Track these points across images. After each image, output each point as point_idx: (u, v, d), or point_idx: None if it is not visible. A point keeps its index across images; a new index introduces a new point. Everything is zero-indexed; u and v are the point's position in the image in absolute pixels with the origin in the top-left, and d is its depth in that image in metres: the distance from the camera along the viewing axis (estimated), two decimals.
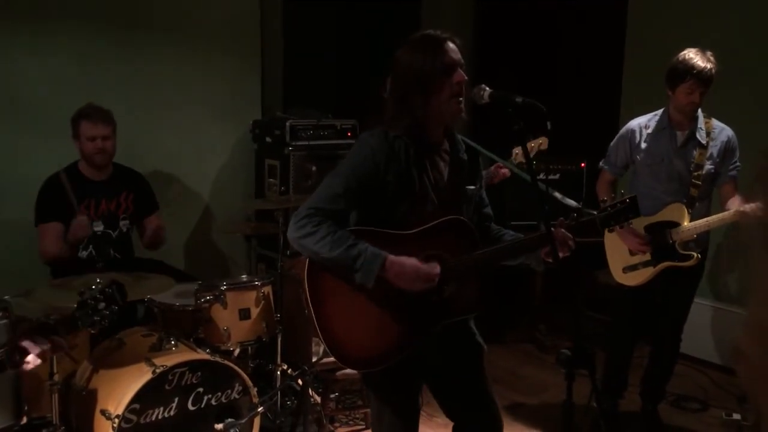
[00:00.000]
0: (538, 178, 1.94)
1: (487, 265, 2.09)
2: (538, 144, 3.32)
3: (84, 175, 3.53)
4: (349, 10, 5.35)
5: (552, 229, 1.95)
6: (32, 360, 1.98)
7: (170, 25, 4.37)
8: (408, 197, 2.02)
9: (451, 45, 2.01)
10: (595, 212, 2.10)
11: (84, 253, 3.48)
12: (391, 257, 1.93)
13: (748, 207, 2.93)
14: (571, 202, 3.06)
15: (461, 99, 1.99)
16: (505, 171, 3.31)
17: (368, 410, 3.54)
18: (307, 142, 4.48)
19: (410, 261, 1.94)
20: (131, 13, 4.22)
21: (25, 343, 1.95)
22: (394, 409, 2.16)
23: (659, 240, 3.17)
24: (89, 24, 4.08)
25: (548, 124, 1.82)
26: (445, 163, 2.11)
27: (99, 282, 2.21)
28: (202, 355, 2.90)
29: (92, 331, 2.29)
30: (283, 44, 5.00)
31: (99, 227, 3.50)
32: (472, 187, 2.17)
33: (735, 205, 3.07)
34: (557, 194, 2.87)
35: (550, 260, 1.99)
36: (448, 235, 2.04)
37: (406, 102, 2.01)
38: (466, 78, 1.98)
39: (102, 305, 2.11)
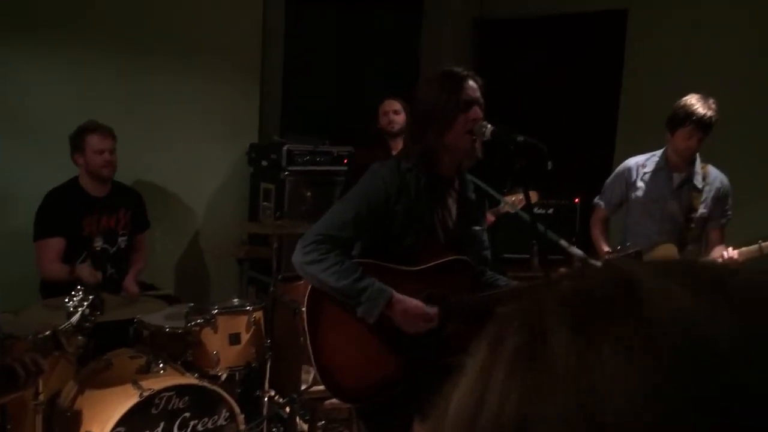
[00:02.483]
0: (535, 220, 1.95)
1: (486, 308, 2.10)
2: (523, 199, 3.35)
3: (85, 191, 3.53)
4: (349, 40, 5.42)
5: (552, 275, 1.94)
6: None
7: (172, 47, 4.40)
8: (415, 231, 2.03)
9: (471, 83, 2.04)
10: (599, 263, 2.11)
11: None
12: (397, 295, 1.94)
13: (725, 254, 2.98)
14: (577, 252, 3.08)
15: (475, 137, 2.00)
16: (492, 218, 3.37)
17: None
18: (303, 168, 4.49)
19: (414, 302, 1.95)
20: (134, 34, 4.24)
21: (34, 358, 1.94)
22: None
23: None
24: (90, 43, 4.09)
25: (549, 164, 1.83)
26: (453, 200, 2.12)
27: (81, 290, 2.22)
28: (190, 379, 2.86)
29: (79, 349, 2.38)
30: (282, 70, 5.04)
31: (99, 243, 3.49)
32: (478, 227, 2.18)
33: (717, 254, 3.11)
34: (563, 242, 2.90)
35: None
36: (451, 274, 2.05)
37: (421, 135, 2.04)
38: (481, 116, 2.00)
39: (87, 311, 2.15)
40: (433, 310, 1.97)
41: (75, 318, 2.11)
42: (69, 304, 2.15)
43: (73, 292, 2.20)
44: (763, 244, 2.98)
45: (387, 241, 2.04)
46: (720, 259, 3.00)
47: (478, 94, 2.04)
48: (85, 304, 2.14)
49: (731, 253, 2.99)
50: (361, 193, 2.04)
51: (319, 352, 2.00)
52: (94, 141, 3.45)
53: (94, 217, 3.49)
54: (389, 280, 1.98)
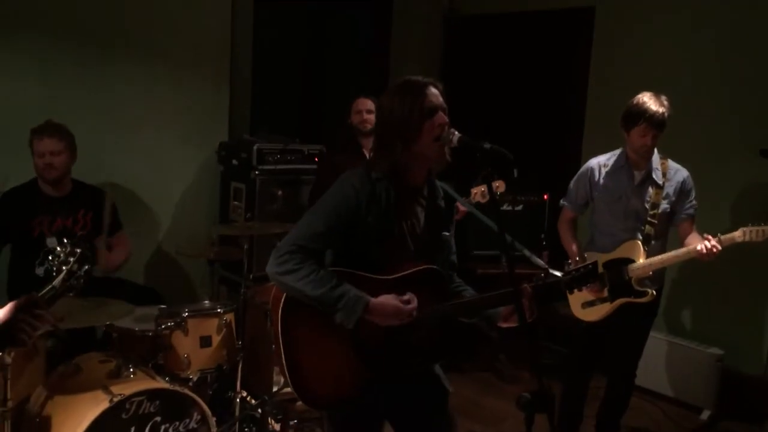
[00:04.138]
0: (501, 221, 1.98)
1: (454, 317, 2.13)
2: (495, 187, 3.39)
3: (41, 191, 3.50)
4: (318, 38, 5.41)
5: (518, 291, 1.97)
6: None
7: (139, 44, 4.35)
8: (385, 241, 2.05)
9: (432, 90, 2.04)
10: (560, 274, 2.16)
11: (41, 270, 3.43)
12: (374, 300, 1.97)
13: (708, 244, 3.04)
14: (539, 262, 3.15)
15: (443, 144, 2.01)
16: (464, 208, 3.38)
17: None
18: (273, 167, 4.49)
19: (390, 301, 1.98)
20: (102, 32, 4.19)
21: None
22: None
23: (616, 277, 3.25)
24: (57, 42, 4.03)
25: (515, 171, 1.86)
26: (422, 208, 2.14)
27: (66, 244, 2.03)
28: (161, 383, 2.86)
29: (71, 294, 2.10)
30: (251, 68, 5.02)
31: (53, 243, 3.45)
32: (447, 233, 2.20)
33: (694, 242, 3.17)
34: (526, 251, 2.96)
35: (507, 325, 2.05)
36: (422, 284, 2.06)
37: (387, 146, 2.04)
38: (447, 121, 2.01)
39: (75, 266, 1.98)
40: (407, 297, 2.00)
41: (58, 280, 1.93)
42: (53, 262, 1.96)
43: (58, 247, 1.99)
44: (746, 228, 3.04)
45: (357, 250, 2.06)
46: (701, 248, 3.06)
47: (440, 99, 2.05)
48: (71, 260, 1.96)
49: (713, 242, 3.05)
50: (332, 203, 2.04)
51: (290, 357, 2.02)
52: (35, 144, 3.42)
53: (47, 217, 3.45)
54: (362, 289, 2.00)
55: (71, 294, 1.98)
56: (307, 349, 2.02)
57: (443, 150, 2.03)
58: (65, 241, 2.02)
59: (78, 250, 1.99)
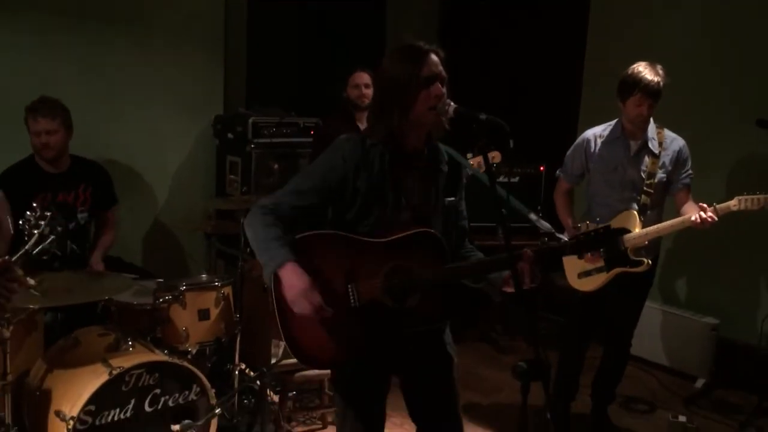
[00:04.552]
0: (502, 188, 1.97)
1: (449, 281, 2.12)
2: (491, 158, 3.37)
3: (40, 168, 3.48)
4: (314, 8, 5.35)
5: (517, 255, 1.97)
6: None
7: (132, 17, 4.32)
8: (379, 206, 2.05)
9: (433, 57, 2.02)
10: (566, 239, 2.13)
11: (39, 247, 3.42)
12: (290, 267, 1.94)
13: (703, 214, 3.04)
14: (545, 225, 3.13)
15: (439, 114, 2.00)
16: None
17: (325, 410, 3.57)
18: (269, 140, 4.48)
19: (303, 280, 1.94)
20: (95, 4, 4.15)
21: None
22: (358, 413, 2.18)
23: (612, 246, 3.26)
24: (50, 15, 4.00)
25: (511, 142, 1.85)
26: (422, 173, 2.13)
27: (36, 208, 2.10)
28: (160, 356, 2.88)
29: (44, 258, 2.13)
30: (246, 40, 4.98)
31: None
32: (452, 198, 2.18)
33: (690, 210, 3.17)
34: (532, 215, 2.93)
35: (511, 290, 2.04)
36: (417, 247, 2.06)
37: (385, 111, 2.03)
38: (443, 92, 2.01)
39: (46, 230, 2.03)
40: (317, 298, 1.95)
41: (30, 244, 1.97)
42: (23, 226, 2.00)
43: (28, 212, 2.02)
44: (741, 197, 3.05)
45: (352, 215, 2.07)
46: (696, 218, 3.06)
47: (440, 68, 2.03)
48: (42, 223, 2.01)
49: (708, 212, 3.05)
50: (321, 165, 2.07)
51: (286, 321, 2.03)
52: (30, 123, 3.39)
53: (48, 193, 3.44)
54: (354, 252, 2.01)
55: (45, 258, 2.00)
56: (306, 318, 2.01)
57: (439, 119, 2.02)
58: (34, 205, 2.05)
59: (48, 213, 2.02)
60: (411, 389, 2.28)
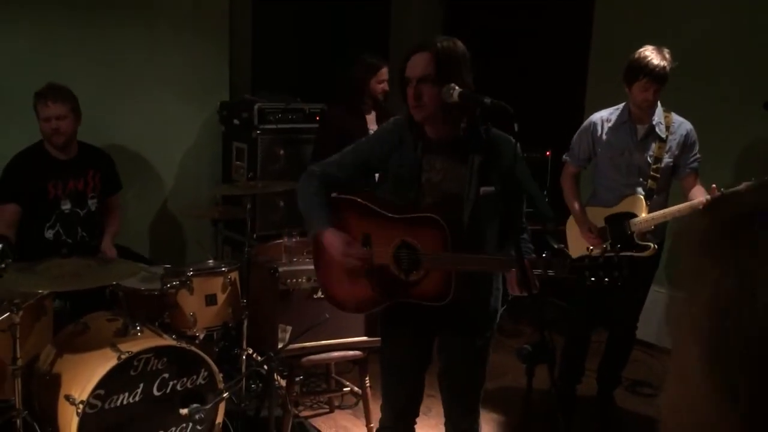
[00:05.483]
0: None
1: (446, 267, 2.18)
2: None
3: (50, 154, 3.49)
4: None
5: (511, 260, 2.06)
6: None
7: (138, 4, 4.31)
8: (406, 187, 2.19)
9: (414, 58, 2.12)
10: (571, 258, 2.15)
11: (50, 233, 3.45)
12: (328, 233, 2.21)
13: (709, 198, 3.03)
14: (558, 245, 3.18)
15: (418, 107, 2.13)
16: None
17: (332, 394, 3.60)
18: (275, 126, 4.48)
19: (342, 238, 2.19)
20: None
21: None
22: (396, 350, 2.40)
23: (618, 230, 3.26)
24: (55, 4, 4.00)
25: (516, 125, 1.85)
26: (454, 161, 2.17)
27: None
28: (168, 341, 2.90)
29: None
30: (251, 26, 4.97)
31: (67, 206, 3.48)
32: (489, 188, 2.17)
33: (699, 195, 3.16)
34: (550, 239, 2.99)
35: (518, 293, 2.12)
36: (424, 228, 2.16)
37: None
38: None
39: None
40: (353, 250, 2.19)
41: None
42: None
43: None
44: (749, 183, 3.01)
45: (383, 191, 2.28)
46: (703, 203, 3.04)
47: (417, 71, 2.10)
48: None
49: (716, 196, 3.04)
50: (364, 143, 2.33)
51: (321, 271, 2.39)
52: (40, 109, 3.38)
53: (60, 180, 3.46)
54: (369, 221, 2.21)
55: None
56: (329, 262, 2.30)
57: (420, 115, 2.12)
58: None
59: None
60: (440, 357, 2.44)
